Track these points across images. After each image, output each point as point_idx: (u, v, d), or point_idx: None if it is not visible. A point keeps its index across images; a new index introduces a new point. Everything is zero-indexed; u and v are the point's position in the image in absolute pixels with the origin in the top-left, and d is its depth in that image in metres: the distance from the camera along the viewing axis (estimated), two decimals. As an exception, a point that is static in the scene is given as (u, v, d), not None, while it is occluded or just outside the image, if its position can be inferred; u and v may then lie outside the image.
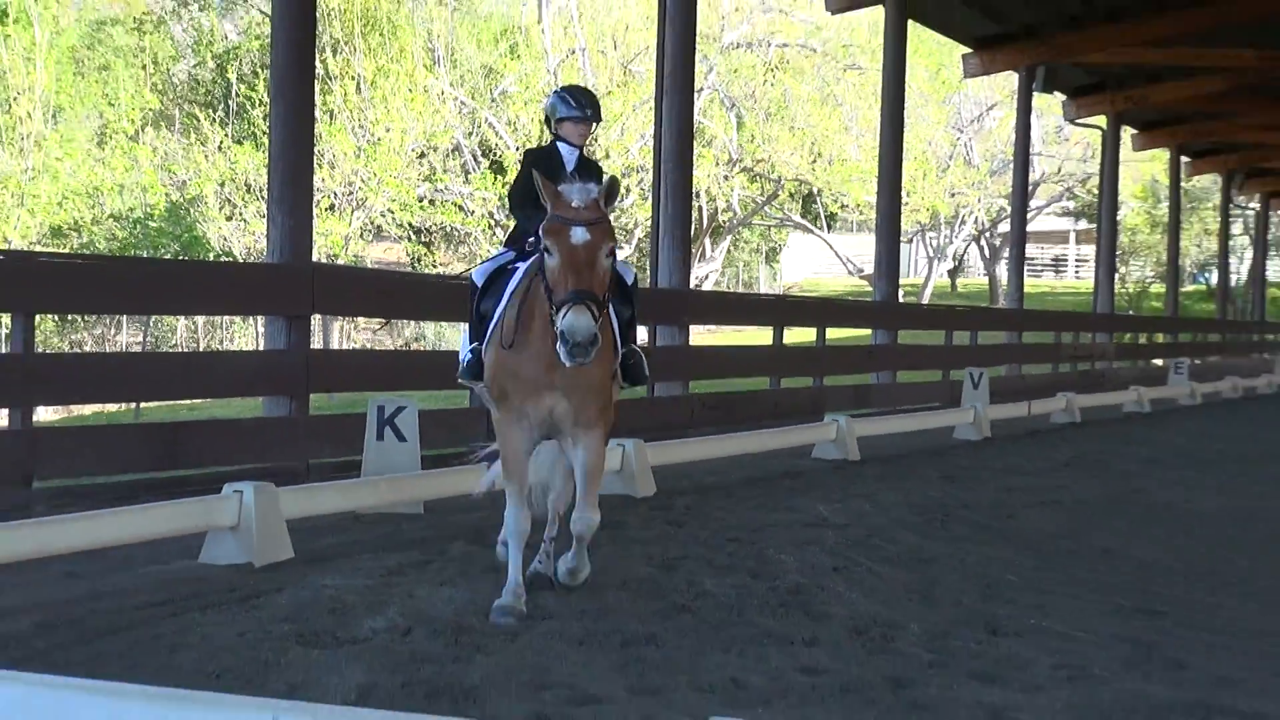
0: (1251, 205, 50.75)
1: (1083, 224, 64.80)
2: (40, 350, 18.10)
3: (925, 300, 52.88)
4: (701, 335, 29.82)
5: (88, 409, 23.95)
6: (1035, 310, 33.03)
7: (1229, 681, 6.42)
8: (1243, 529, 11.50)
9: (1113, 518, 11.92)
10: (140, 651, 6.41)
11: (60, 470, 10.38)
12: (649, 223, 20.70)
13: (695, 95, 22.85)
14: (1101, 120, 33.29)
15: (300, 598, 7.55)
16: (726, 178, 46.65)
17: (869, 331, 23.05)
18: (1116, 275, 41.21)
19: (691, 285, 22.31)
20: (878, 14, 23.60)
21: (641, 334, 13.08)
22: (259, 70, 38.08)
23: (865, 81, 45.06)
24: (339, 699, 5.68)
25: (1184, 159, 40.92)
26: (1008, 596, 8.26)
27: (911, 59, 29.90)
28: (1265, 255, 50.22)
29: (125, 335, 36.57)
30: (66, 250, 33.82)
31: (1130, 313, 50.25)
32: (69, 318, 33.64)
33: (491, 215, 41.22)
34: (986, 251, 60.98)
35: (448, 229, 42.76)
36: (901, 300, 27.45)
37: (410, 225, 41.77)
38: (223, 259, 34.80)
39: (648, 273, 19.56)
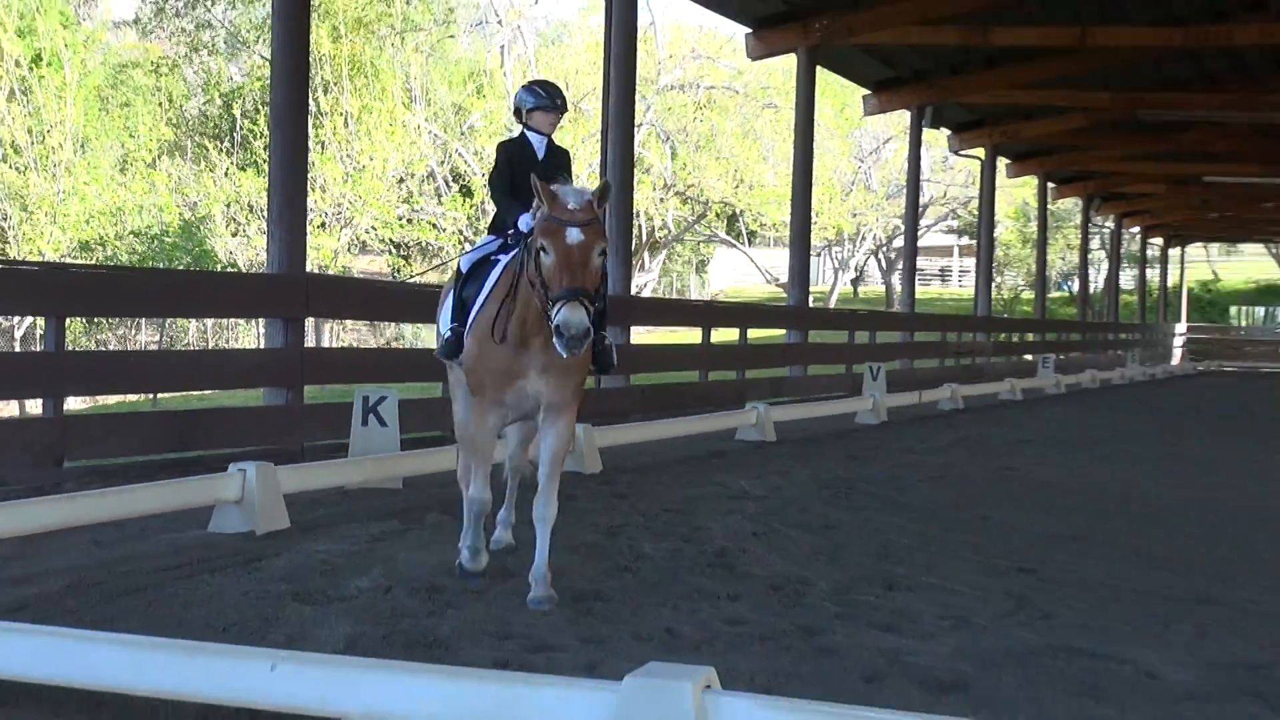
0: (1107, 224, 51.12)
1: (965, 240, 65.08)
2: (70, 349, 17.92)
3: (831, 305, 53.07)
4: (641, 335, 29.83)
5: (111, 399, 23.69)
6: (924, 313, 33.21)
7: (1089, 629, 6.45)
8: (1102, 499, 11.58)
9: (991, 490, 11.97)
10: (157, 609, 6.36)
11: (87, 452, 10.28)
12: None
13: (635, 130, 22.85)
14: (981, 152, 33.43)
15: (296, 561, 7.51)
16: (662, 200, 46.69)
17: (784, 331, 23.09)
18: (993, 284, 41.45)
19: (633, 293, 22.27)
20: (791, 60, 23.66)
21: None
22: (260, 107, 37.83)
23: (780, 118, 45.17)
24: (329, 649, 5.64)
25: (1050, 185, 41.16)
26: (901, 557, 8.28)
27: (820, 99, 29.98)
28: (1118, 267, 50.60)
29: (144, 335, 36.31)
30: (93, 262, 33.58)
31: (1005, 315, 50.54)
32: (95, 320, 33.37)
33: (461, 232, 41.25)
34: (883, 263, 61.27)
35: (423, 244, 42.64)
36: (811, 305, 27.50)
37: (391, 241, 41.66)
38: (229, 270, 34.57)
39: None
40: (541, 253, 6.14)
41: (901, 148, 45.30)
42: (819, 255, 58.59)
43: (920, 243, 36.72)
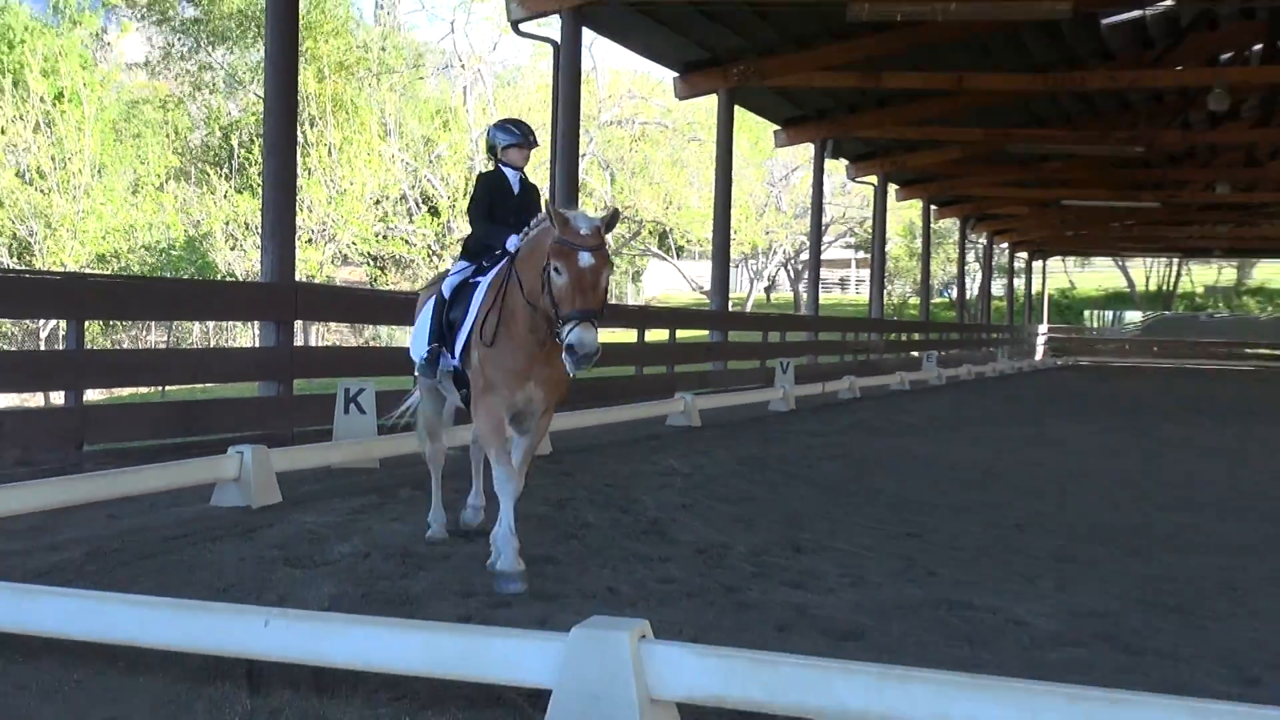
0: (981, 241, 51.56)
1: (860, 254, 65.63)
2: (89, 347, 17.66)
3: (748, 309, 53.23)
4: (585, 335, 29.77)
5: (125, 391, 23.39)
6: (827, 316, 33.32)
7: (967, 585, 6.51)
8: (976, 472, 11.68)
9: (883, 466, 12.05)
10: (166, 573, 6.29)
11: (104, 436, 10.15)
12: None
13: (580, 159, 22.80)
14: (874, 179, 33.62)
15: (286, 531, 7.46)
16: (603, 220, 46.64)
17: (708, 332, 23.13)
18: (885, 291, 41.75)
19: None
20: (713, 100, 23.70)
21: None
22: (254, 138, 37.51)
23: (704, 149, 45.28)
24: (316, 606, 5.59)
25: (933, 207, 41.40)
26: (807, 525, 8.31)
27: (737, 133, 30.03)
28: (990, 277, 51.02)
29: (154, 336, 35.94)
30: (109, 272, 33.39)
31: (895, 318, 50.90)
32: (111, 323, 33.04)
33: (430, 247, 41.31)
34: (792, 274, 61.49)
35: (397, 257, 42.57)
36: (731, 310, 27.56)
37: (369, 254, 41.59)
38: (228, 279, 34.23)
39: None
40: (554, 272, 5.79)
41: (807, 175, 45.51)
42: (737, 267, 58.66)
43: (823, 256, 36.85)
